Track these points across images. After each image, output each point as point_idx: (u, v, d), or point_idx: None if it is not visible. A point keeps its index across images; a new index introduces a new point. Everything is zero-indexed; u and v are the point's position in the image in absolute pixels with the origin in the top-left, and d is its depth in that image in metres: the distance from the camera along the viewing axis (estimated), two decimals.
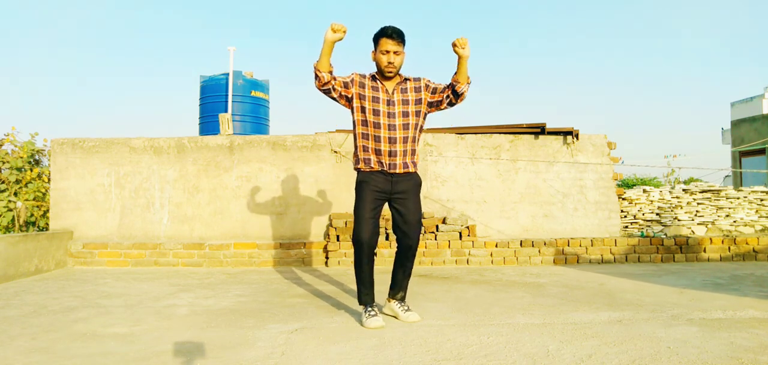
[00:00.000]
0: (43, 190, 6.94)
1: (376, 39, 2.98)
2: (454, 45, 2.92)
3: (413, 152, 3.05)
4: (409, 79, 3.06)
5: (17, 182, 6.86)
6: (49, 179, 6.59)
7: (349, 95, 3.03)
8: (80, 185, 5.92)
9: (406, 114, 3.00)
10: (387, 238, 5.50)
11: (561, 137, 6.09)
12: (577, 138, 6.07)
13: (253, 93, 8.70)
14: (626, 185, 13.75)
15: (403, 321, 2.99)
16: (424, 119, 3.11)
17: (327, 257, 5.48)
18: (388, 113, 2.98)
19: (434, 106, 3.08)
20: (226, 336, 2.76)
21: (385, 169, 2.99)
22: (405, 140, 3.00)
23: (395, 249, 3.18)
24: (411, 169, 3.04)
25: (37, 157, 7.24)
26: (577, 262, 5.50)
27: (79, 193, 5.91)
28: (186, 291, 4.10)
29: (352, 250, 5.40)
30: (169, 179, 5.92)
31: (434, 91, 3.05)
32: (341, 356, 2.40)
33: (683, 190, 6.40)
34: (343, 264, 5.42)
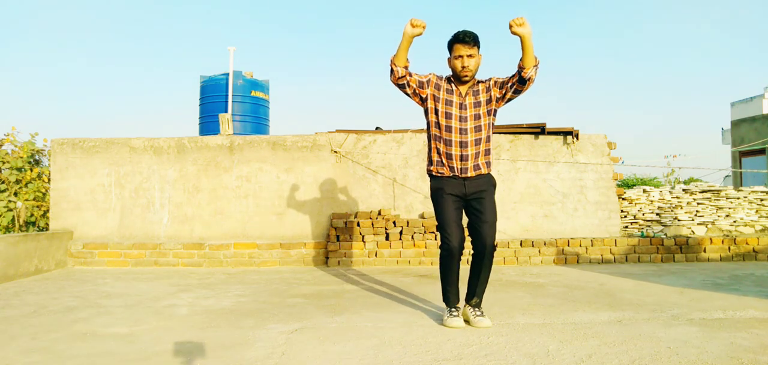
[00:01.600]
0: (43, 190, 6.95)
1: (450, 45, 2.97)
2: (510, 26, 2.82)
3: (486, 152, 3.01)
4: (480, 82, 3.03)
5: (17, 182, 6.86)
6: (49, 179, 6.59)
7: (424, 95, 3.03)
8: (80, 185, 5.92)
9: (477, 116, 2.97)
10: (387, 237, 5.49)
11: (561, 137, 6.09)
12: (577, 138, 6.07)
13: (253, 93, 8.69)
14: (626, 185, 13.75)
15: (474, 326, 2.91)
16: (495, 116, 3.07)
17: (327, 257, 5.48)
18: (460, 117, 2.96)
19: (502, 99, 3.01)
20: (226, 336, 2.76)
21: (457, 174, 2.97)
22: (477, 143, 2.97)
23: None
24: (483, 170, 3.00)
25: (37, 157, 7.25)
26: (577, 262, 5.50)
27: (79, 193, 5.91)
28: (186, 291, 4.10)
29: (353, 250, 5.41)
30: (169, 179, 5.92)
31: (501, 85, 2.99)
32: (341, 356, 2.40)
33: (683, 190, 6.40)
34: (343, 265, 5.42)
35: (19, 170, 6.92)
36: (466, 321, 2.99)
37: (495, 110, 3.05)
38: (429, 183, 3.12)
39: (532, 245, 5.51)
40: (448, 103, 2.97)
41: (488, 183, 3.02)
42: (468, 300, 3.05)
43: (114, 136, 6.02)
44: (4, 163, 6.87)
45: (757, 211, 6.26)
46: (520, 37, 2.82)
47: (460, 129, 2.95)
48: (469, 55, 2.91)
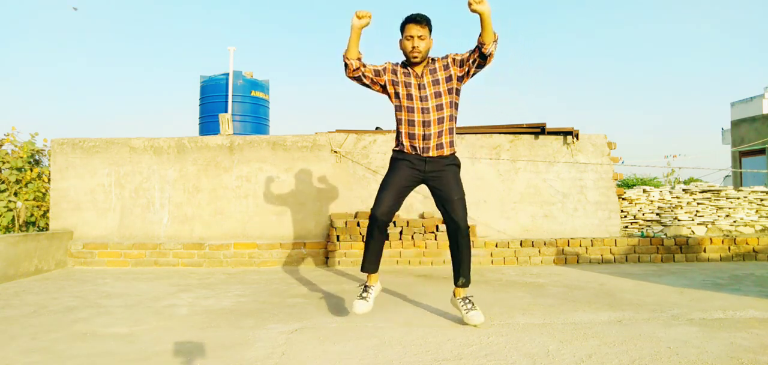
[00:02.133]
0: (43, 190, 6.94)
1: (402, 26, 2.98)
2: (470, 4, 2.80)
3: (450, 131, 3.00)
4: (436, 60, 3.03)
5: (17, 182, 6.86)
6: (49, 179, 6.59)
7: (383, 83, 3.05)
8: (80, 185, 5.92)
9: (438, 94, 2.98)
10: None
11: (561, 137, 6.09)
12: (577, 138, 6.07)
13: (253, 93, 8.69)
14: (626, 185, 13.75)
15: (467, 323, 2.90)
16: (458, 94, 3.06)
17: (327, 257, 5.48)
18: (420, 97, 2.97)
19: (465, 76, 3.01)
20: (226, 336, 2.76)
21: (419, 152, 2.99)
22: (440, 122, 2.97)
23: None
24: (446, 151, 3.00)
25: (37, 157, 7.24)
26: (577, 262, 5.50)
27: (79, 193, 5.91)
28: (186, 291, 4.10)
29: (353, 250, 5.40)
30: (169, 179, 5.92)
31: (462, 63, 2.99)
32: (341, 356, 2.40)
33: (683, 190, 6.40)
34: (343, 264, 5.42)
35: (19, 170, 6.92)
36: (460, 318, 3.00)
37: (458, 89, 3.04)
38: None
39: (532, 245, 5.51)
40: (407, 85, 2.99)
41: (451, 162, 3.03)
42: (455, 283, 3.05)
43: (114, 136, 6.02)
44: (4, 163, 6.87)
45: (757, 211, 6.26)
46: (480, 13, 2.81)
47: (422, 109, 2.97)
48: (420, 36, 2.93)
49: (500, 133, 6.09)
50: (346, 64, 2.97)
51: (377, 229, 3.00)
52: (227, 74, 8.55)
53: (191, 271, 5.19)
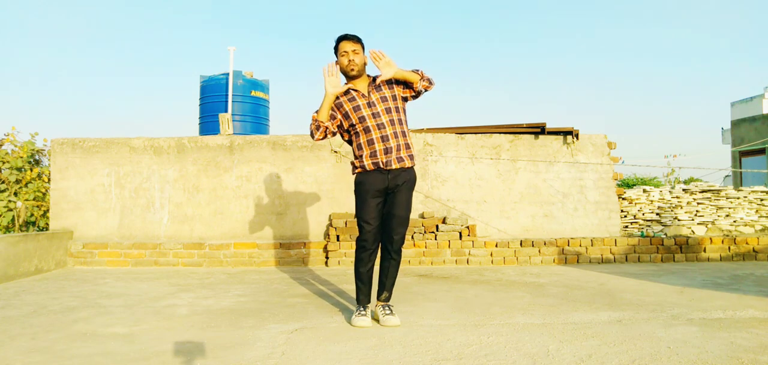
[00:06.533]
0: (43, 190, 6.94)
1: (335, 48, 3.08)
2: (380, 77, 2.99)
3: (407, 146, 3.05)
4: (378, 78, 3.08)
5: (17, 182, 6.86)
6: (49, 179, 6.59)
7: (339, 123, 3.10)
8: (80, 185, 5.92)
9: (388, 110, 3.04)
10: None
11: (561, 137, 6.09)
12: (577, 138, 6.07)
13: (253, 93, 8.69)
14: (626, 185, 13.74)
15: (383, 325, 2.96)
16: (404, 112, 3.14)
17: (327, 257, 5.48)
18: (373, 114, 3.01)
19: (410, 97, 3.12)
20: (226, 336, 2.76)
21: (382, 167, 3.01)
22: (396, 136, 3.01)
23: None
24: (406, 164, 3.04)
25: (37, 157, 7.24)
26: (577, 262, 5.50)
27: (79, 193, 5.91)
28: (186, 291, 4.10)
29: (353, 249, 5.40)
30: (169, 179, 5.92)
31: (405, 85, 3.10)
32: (341, 356, 2.40)
33: (683, 190, 6.40)
34: (343, 264, 5.42)
35: (19, 170, 6.92)
36: (376, 320, 3.04)
37: (403, 108, 3.13)
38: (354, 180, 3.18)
39: (532, 245, 5.51)
40: (356, 109, 3.04)
41: (410, 179, 3.09)
42: (378, 296, 3.11)
43: (114, 136, 6.03)
44: (4, 163, 6.87)
45: (757, 211, 6.26)
46: (395, 77, 3.01)
47: (377, 125, 3.01)
48: (354, 51, 3.04)
49: (500, 133, 6.09)
50: (318, 127, 3.03)
51: (368, 253, 3.06)
52: (227, 74, 8.54)
53: (191, 271, 5.19)
